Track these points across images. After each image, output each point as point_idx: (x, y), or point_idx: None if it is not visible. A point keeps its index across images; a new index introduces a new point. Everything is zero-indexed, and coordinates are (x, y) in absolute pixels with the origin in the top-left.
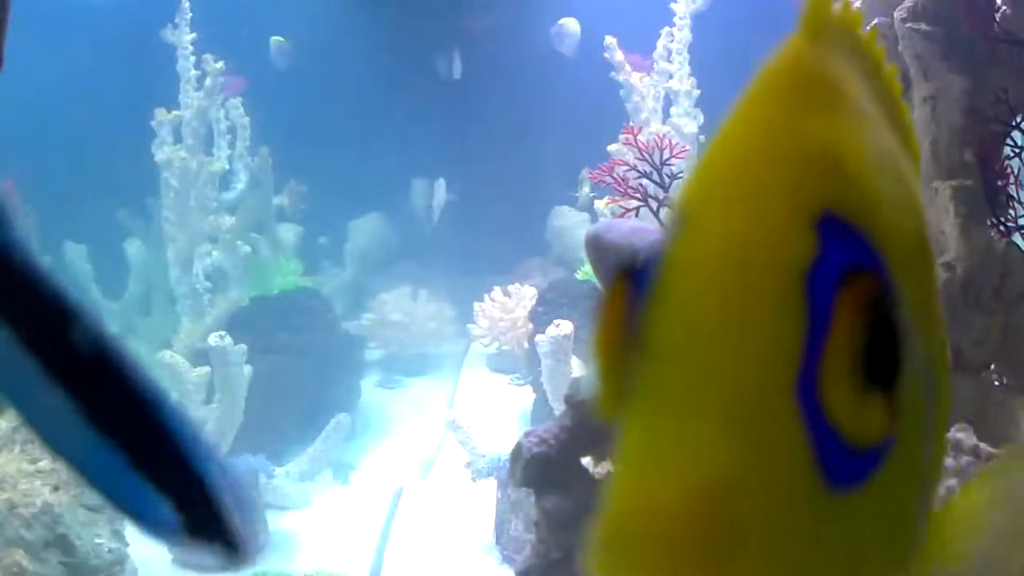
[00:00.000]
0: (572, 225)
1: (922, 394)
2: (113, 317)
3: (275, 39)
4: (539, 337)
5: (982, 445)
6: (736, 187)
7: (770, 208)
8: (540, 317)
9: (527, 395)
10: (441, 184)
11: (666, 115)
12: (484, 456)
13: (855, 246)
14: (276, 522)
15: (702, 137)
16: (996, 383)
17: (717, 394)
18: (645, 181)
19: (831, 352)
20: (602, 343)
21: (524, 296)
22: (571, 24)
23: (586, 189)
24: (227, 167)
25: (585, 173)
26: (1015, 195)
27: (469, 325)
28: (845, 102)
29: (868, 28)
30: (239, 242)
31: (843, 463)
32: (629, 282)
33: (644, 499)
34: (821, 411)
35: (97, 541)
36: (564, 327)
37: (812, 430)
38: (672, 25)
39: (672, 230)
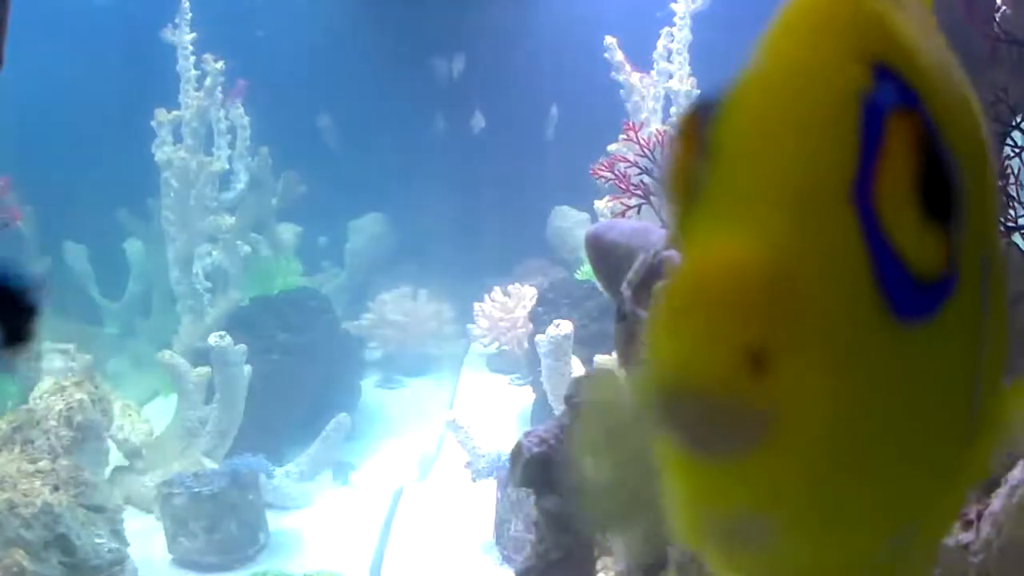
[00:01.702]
0: (572, 225)
1: (979, 252)
2: (113, 317)
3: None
4: (539, 337)
5: None
6: (801, 31)
7: (831, 45)
8: (540, 317)
9: (527, 395)
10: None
11: (666, 115)
12: (484, 456)
13: (907, 94)
14: (276, 522)
15: None
16: None
17: (778, 186)
18: (646, 178)
19: (884, 168)
20: (677, 159)
21: (524, 296)
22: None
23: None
24: (227, 167)
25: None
26: (1015, 195)
27: (469, 325)
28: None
29: None
30: (239, 242)
31: (902, 287)
32: (702, 110)
33: (709, 266)
34: (876, 220)
35: (97, 541)
36: (564, 327)
37: (868, 237)
38: (672, 25)
39: (745, 62)
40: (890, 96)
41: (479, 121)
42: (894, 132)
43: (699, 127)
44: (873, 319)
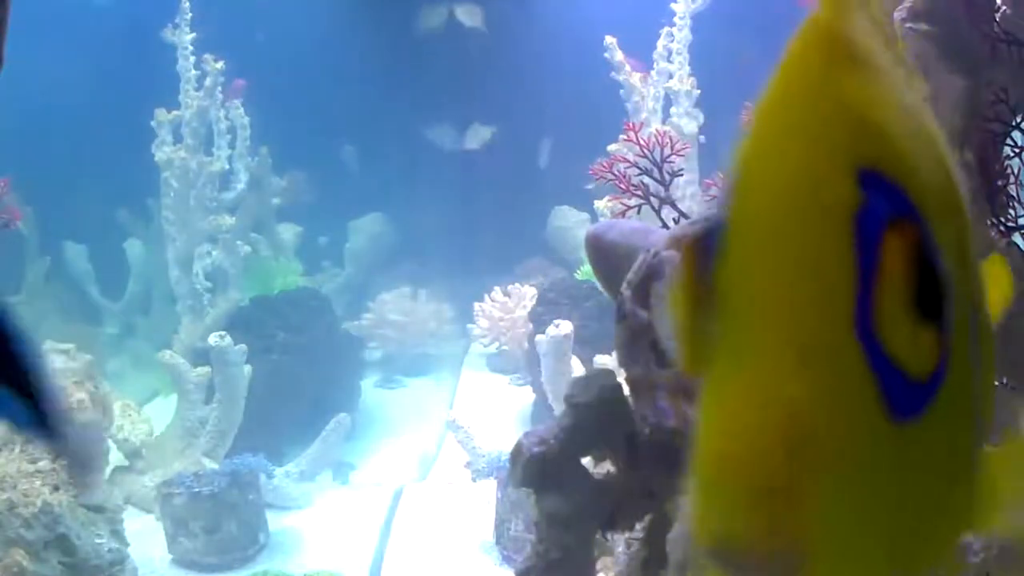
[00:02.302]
0: (572, 225)
1: (967, 332)
2: (113, 317)
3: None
4: (539, 337)
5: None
6: (781, 148)
7: (815, 165)
8: (540, 317)
9: (527, 395)
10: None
11: (666, 115)
12: (484, 456)
13: (894, 197)
14: (276, 522)
15: (702, 137)
16: (996, 383)
17: (785, 337)
18: (646, 179)
19: (882, 292)
20: (679, 302)
21: (524, 296)
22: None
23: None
24: (227, 167)
25: None
26: (1015, 195)
27: (469, 325)
28: (875, 64)
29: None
30: (239, 242)
31: (903, 393)
32: (700, 242)
33: (729, 443)
34: (880, 344)
35: (97, 541)
36: (564, 327)
37: (874, 363)
38: (672, 25)
39: (728, 191)
40: (881, 208)
41: (483, 132)
42: (888, 252)
43: (700, 264)
44: (881, 434)
